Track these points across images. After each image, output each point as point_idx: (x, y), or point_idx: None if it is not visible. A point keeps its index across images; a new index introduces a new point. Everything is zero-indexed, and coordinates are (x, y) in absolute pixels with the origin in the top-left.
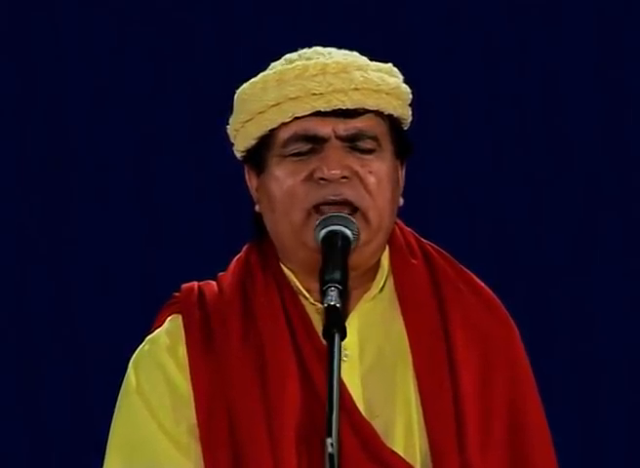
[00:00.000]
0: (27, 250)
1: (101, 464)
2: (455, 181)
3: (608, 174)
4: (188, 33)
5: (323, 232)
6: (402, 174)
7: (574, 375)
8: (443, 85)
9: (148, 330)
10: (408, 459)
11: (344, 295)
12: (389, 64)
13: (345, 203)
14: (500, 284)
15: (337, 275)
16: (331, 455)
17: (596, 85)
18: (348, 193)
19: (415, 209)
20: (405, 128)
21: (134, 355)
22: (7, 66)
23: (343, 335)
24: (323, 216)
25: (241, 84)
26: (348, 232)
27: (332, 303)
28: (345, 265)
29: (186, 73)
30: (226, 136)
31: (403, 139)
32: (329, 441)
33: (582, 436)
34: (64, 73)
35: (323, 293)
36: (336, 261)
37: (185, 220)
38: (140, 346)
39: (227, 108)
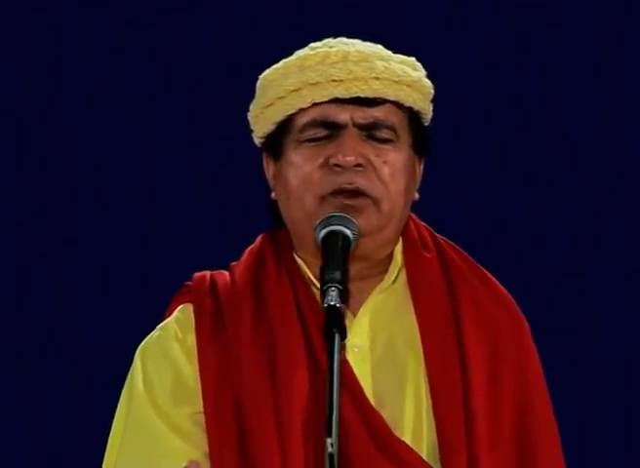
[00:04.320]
0: (27, 250)
1: (102, 462)
2: (455, 181)
3: (608, 174)
4: (188, 33)
5: (323, 232)
6: (420, 169)
7: (574, 375)
8: (443, 85)
9: (148, 329)
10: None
11: (344, 295)
12: (413, 58)
13: (358, 192)
14: (501, 283)
15: (337, 275)
16: (331, 455)
17: (596, 85)
18: (361, 182)
19: (414, 209)
20: (425, 123)
21: (142, 342)
22: (7, 66)
23: (343, 335)
24: (323, 216)
25: (241, 84)
26: (348, 232)
27: (332, 303)
28: (346, 265)
29: (186, 73)
30: (226, 136)
31: (422, 133)
32: (329, 441)
33: (582, 436)
34: (64, 73)
35: (323, 294)
36: (336, 261)
37: (185, 220)
38: (150, 334)
39: (227, 108)
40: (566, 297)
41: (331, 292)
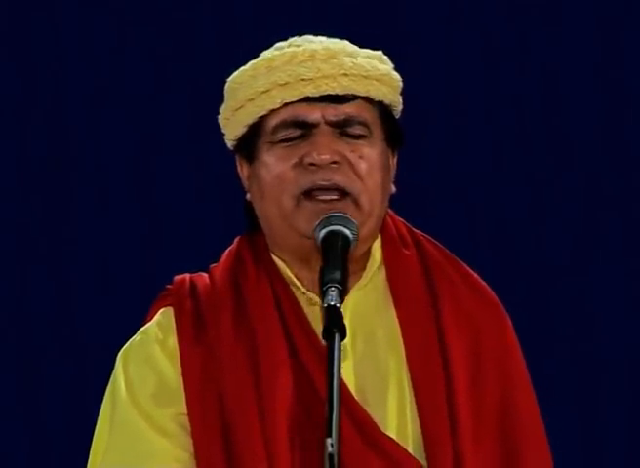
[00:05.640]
0: (27, 250)
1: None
2: (455, 181)
3: (608, 174)
4: (188, 33)
5: (323, 232)
6: (394, 161)
7: (574, 375)
8: (443, 85)
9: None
10: None
11: (344, 296)
12: (379, 52)
13: (336, 188)
14: (501, 284)
15: (337, 275)
16: (331, 455)
17: (596, 85)
18: (338, 178)
19: (415, 209)
20: (396, 116)
21: (124, 346)
22: (7, 66)
23: (344, 335)
24: (323, 216)
25: None
26: (348, 232)
27: (332, 303)
28: (345, 265)
29: (186, 73)
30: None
31: (394, 127)
32: (329, 441)
33: (582, 436)
34: (64, 73)
35: (323, 294)
36: (336, 261)
37: (185, 220)
38: (132, 338)
39: None
40: (566, 297)
41: (331, 292)
